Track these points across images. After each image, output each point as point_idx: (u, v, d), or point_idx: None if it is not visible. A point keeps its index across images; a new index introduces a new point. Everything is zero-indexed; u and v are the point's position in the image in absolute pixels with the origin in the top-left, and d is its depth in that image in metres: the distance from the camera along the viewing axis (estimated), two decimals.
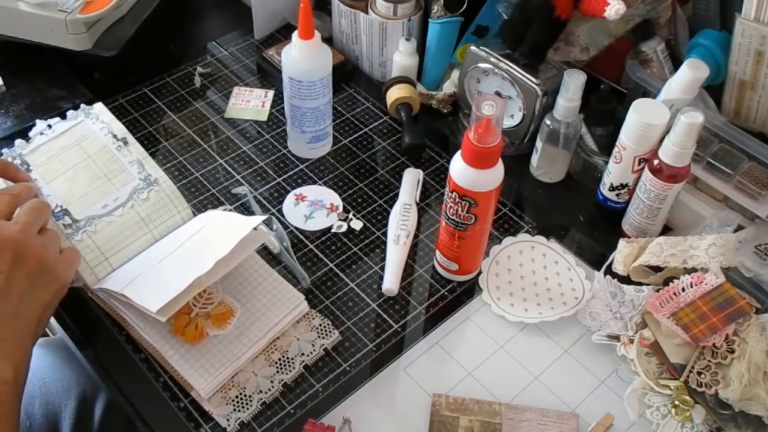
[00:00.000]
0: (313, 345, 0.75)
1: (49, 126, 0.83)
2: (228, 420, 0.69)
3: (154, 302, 0.68)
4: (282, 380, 0.72)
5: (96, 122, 0.84)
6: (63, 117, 0.84)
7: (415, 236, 0.86)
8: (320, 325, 0.76)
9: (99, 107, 0.86)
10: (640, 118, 0.77)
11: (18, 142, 0.81)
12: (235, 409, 0.70)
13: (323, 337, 0.75)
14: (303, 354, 0.74)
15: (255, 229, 0.76)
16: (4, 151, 0.81)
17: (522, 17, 0.85)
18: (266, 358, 0.74)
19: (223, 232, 0.75)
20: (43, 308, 0.66)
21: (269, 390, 0.72)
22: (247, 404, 0.70)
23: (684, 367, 0.71)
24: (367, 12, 0.99)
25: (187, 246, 0.76)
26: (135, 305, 0.70)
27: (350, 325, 0.77)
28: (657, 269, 0.78)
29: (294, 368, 0.73)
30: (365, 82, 1.05)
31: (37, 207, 0.69)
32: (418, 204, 0.89)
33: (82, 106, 0.85)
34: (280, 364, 0.73)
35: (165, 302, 0.68)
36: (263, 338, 0.73)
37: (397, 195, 0.90)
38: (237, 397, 0.71)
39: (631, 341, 0.74)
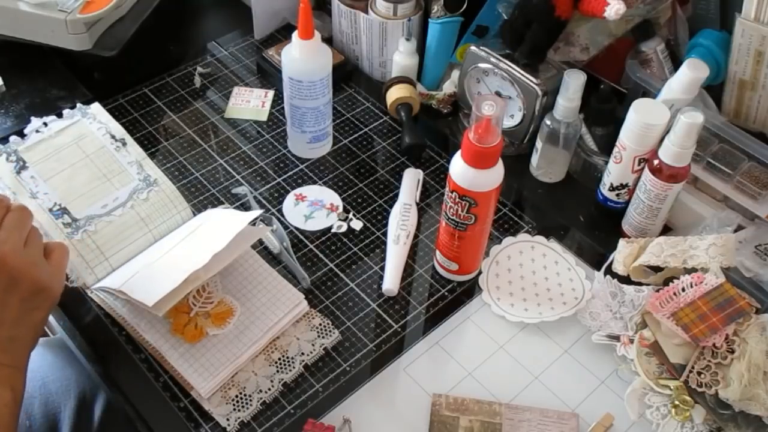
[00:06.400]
0: (313, 345, 0.75)
1: (45, 124, 0.82)
2: (228, 420, 0.69)
3: (151, 297, 0.68)
4: (282, 380, 0.72)
5: (93, 122, 0.83)
6: (60, 116, 0.83)
7: (415, 236, 0.86)
8: (320, 324, 0.76)
9: (96, 107, 0.85)
10: (640, 118, 0.77)
11: (13, 138, 0.80)
12: (235, 409, 0.70)
13: (323, 337, 0.75)
14: (303, 353, 0.74)
15: (253, 224, 0.75)
16: None
17: (522, 17, 0.85)
18: (266, 357, 0.74)
19: (219, 228, 0.75)
20: (38, 325, 0.64)
21: (269, 389, 0.71)
22: (247, 404, 0.70)
23: (684, 367, 0.71)
24: (367, 12, 0.99)
25: (184, 243, 0.76)
26: (132, 301, 0.70)
27: (350, 325, 0.77)
28: (657, 269, 0.78)
29: (294, 368, 0.73)
30: (365, 82, 1.05)
31: (20, 216, 0.63)
32: (418, 204, 0.89)
33: (79, 105, 0.85)
34: (280, 364, 0.73)
35: (161, 296, 0.68)
36: (263, 338, 0.73)
37: (397, 195, 0.90)
38: (237, 396, 0.71)
39: (631, 341, 0.74)
